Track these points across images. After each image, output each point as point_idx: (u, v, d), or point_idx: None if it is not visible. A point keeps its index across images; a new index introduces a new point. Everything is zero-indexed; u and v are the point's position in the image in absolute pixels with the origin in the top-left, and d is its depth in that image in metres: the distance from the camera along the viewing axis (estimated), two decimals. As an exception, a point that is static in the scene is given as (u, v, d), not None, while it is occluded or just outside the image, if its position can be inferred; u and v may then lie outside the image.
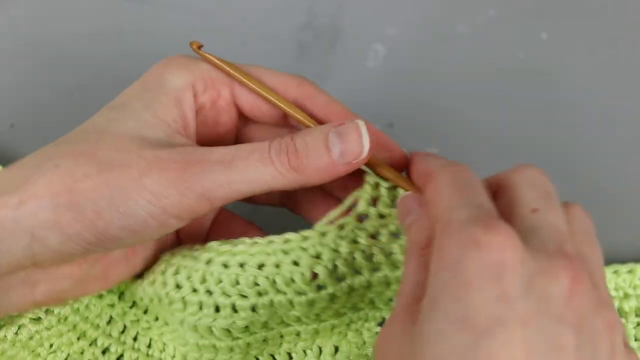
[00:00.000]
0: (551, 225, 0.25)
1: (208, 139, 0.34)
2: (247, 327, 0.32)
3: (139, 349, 0.34)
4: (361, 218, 0.31)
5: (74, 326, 0.34)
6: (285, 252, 0.31)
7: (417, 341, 0.23)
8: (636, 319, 0.38)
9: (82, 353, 0.34)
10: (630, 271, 0.38)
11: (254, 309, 0.31)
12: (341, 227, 0.31)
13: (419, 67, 0.48)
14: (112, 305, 0.35)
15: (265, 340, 0.33)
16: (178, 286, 0.32)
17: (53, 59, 0.48)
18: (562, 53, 0.49)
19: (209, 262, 0.31)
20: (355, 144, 0.29)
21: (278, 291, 0.31)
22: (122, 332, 0.34)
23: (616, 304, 0.38)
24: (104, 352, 0.34)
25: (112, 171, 0.28)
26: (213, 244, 0.32)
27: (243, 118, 0.35)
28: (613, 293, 0.38)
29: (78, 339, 0.34)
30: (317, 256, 0.31)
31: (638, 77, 0.48)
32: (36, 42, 0.48)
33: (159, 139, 0.30)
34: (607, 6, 0.50)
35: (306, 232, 0.32)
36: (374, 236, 0.31)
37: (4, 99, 0.47)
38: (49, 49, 0.48)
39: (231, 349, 0.33)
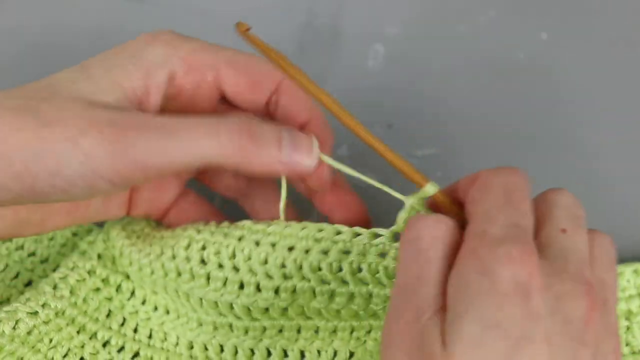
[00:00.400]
0: (576, 248, 0.27)
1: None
2: (267, 309, 0.32)
3: (140, 340, 0.34)
4: (396, 238, 0.32)
5: (73, 320, 0.33)
6: (317, 240, 0.32)
7: (446, 340, 0.24)
8: None
9: (82, 347, 0.34)
10: (635, 271, 0.39)
11: (277, 291, 0.32)
12: (375, 236, 0.32)
13: (419, 67, 0.48)
14: (109, 299, 0.35)
15: (281, 331, 0.33)
16: (203, 261, 0.32)
17: (53, 59, 0.48)
18: (563, 53, 0.49)
19: (240, 238, 0.32)
20: (304, 151, 0.31)
21: (303, 277, 0.31)
22: (122, 324, 0.34)
23: (623, 305, 0.38)
24: (104, 345, 0.34)
25: (47, 127, 0.28)
26: (246, 223, 0.33)
27: (223, 102, 0.35)
28: (620, 294, 0.38)
29: (78, 332, 0.34)
30: (346, 252, 0.31)
31: (638, 77, 0.48)
32: (36, 42, 0.48)
33: (107, 104, 0.29)
34: (607, 6, 0.50)
35: (340, 227, 0.32)
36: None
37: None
38: (49, 49, 0.48)
39: (246, 331, 0.33)
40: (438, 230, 0.27)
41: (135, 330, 0.35)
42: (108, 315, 0.35)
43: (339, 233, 0.32)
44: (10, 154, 0.27)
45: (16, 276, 0.38)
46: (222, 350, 0.33)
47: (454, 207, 0.30)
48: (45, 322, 0.33)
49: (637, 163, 0.46)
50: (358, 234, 0.32)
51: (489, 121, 0.47)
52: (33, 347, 0.33)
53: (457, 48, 0.48)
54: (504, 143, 0.46)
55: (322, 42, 0.49)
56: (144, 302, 0.35)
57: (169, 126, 0.29)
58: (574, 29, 0.49)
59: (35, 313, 0.32)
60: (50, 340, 0.33)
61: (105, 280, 0.35)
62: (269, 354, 0.33)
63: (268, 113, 0.35)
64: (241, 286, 0.32)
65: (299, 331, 0.33)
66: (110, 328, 0.34)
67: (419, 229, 0.28)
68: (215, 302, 0.33)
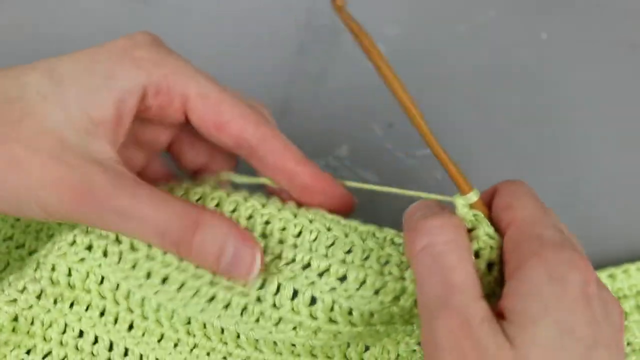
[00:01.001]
0: None
1: (141, 136, 0.34)
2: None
3: (131, 311, 0.34)
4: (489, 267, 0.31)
5: (61, 295, 0.33)
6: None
7: (517, 343, 0.25)
8: (638, 317, 0.38)
9: (79, 320, 0.33)
10: (625, 271, 0.39)
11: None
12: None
13: (418, 67, 0.48)
14: (99, 266, 0.33)
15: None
16: (264, 235, 0.32)
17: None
18: (562, 53, 0.49)
19: (311, 221, 0.32)
20: (243, 270, 0.30)
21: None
22: (116, 289, 0.33)
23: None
24: (101, 314, 0.33)
25: (14, 171, 0.28)
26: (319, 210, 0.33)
27: (184, 125, 0.34)
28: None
29: (71, 306, 0.33)
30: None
31: (638, 77, 0.48)
32: (36, 42, 0.48)
33: (77, 143, 0.29)
34: (607, 6, 0.50)
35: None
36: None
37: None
38: (49, 49, 0.48)
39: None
40: (448, 232, 0.28)
41: (127, 297, 0.33)
42: (100, 283, 0.33)
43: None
44: None
45: None
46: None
47: (487, 215, 0.30)
48: (28, 308, 0.32)
49: (637, 162, 0.46)
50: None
51: (488, 121, 0.47)
52: (28, 332, 0.33)
53: (457, 48, 0.49)
54: (504, 143, 0.46)
55: (322, 42, 0.49)
56: (134, 266, 0.33)
57: (124, 213, 0.29)
58: (574, 29, 0.49)
59: (14, 301, 0.32)
60: (42, 323, 0.33)
61: (89, 248, 0.33)
62: None
63: (240, 154, 0.34)
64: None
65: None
66: (103, 297, 0.33)
67: (428, 234, 0.28)
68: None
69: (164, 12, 0.49)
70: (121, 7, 0.49)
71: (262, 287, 0.32)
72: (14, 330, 0.33)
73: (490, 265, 0.29)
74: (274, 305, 0.32)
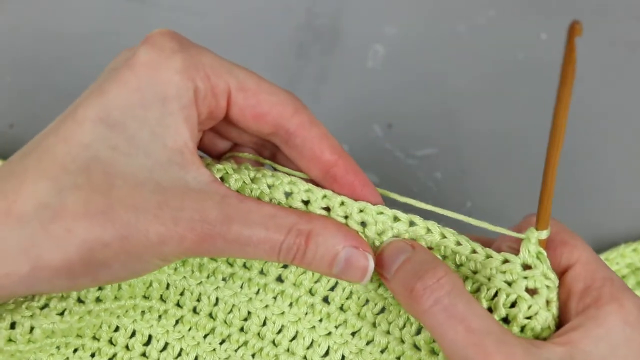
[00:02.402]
0: None
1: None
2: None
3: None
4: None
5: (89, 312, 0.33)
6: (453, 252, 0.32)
7: None
8: None
9: (117, 317, 0.34)
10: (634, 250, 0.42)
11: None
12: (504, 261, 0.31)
13: (418, 67, 0.48)
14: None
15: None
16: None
17: (53, 59, 0.48)
18: (562, 53, 0.49)
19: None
20: (357, 273, 0.30)
21: None
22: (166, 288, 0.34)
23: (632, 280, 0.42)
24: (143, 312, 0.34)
25: (130, 239, 0.28)
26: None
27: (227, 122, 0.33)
28: (625, 270, 0.43)
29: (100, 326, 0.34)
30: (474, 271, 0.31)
31: (637, 77, 0.48)
32: (36, 42, 0.48)
33: (174, 180, 0.29)
34: (607, 6, 0.50)
35: (475, 245, 0.32)
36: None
37: (4, 99, 0.47)
38: (48, 50, 0.48)
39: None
40: (445, 283, 0.28)
41: (181, 294, 0.34)
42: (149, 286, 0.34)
43: (474, 250, 0.32)
44: (98, 270, 0.28)
45: None
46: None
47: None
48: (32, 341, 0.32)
49: (637, 162, 0.46)
50: (489, 256, 0.31)
51: (488, 121, 0.47)
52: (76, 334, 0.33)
53: (457, 48, 0.49)
54: (503, 143, 0.46)
55: (322, 42, 0.49)
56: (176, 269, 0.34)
57: (241, 241, 0.29)
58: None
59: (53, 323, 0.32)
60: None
61: None
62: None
63: (274, 142, 0.33)
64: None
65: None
66: (147, 297, 0.34)
67: (430, 292, 0.28)
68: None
69: (162, 12, 0.49)
70: (120, 7, 0.49)
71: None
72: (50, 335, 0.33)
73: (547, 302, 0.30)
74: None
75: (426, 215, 0.31)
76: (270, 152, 0.35)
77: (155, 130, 0.28)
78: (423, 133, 0.46)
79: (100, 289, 0.33)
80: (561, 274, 0.30)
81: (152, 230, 0.28)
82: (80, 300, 0.32)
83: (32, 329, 0.32)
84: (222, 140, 0.35)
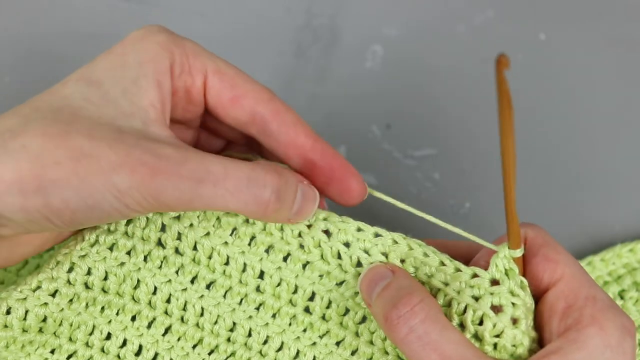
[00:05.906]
0: None
1: (175, 125, 0.34)
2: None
3: (171, 314, 0.34)
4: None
5: (93, 300, 0.33)
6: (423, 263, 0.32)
7: None
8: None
9: (109, 323, 0.33)
10: (589, 263, 0.42)
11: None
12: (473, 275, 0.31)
13: (417, 67, 0.48)
14: (137, 270, 0.33)
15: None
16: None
17: (53, 60, 0.48)
18: (560, 54, 0.49)
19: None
20: (309, 208, 0.31)
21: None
22: (153, 293, 0.34)
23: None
24: (133, 318, 0.33)
25: (82, 161, 0.28)
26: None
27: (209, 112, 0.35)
28: (621, 271, 0.42)
29: (102, 310, 0.33)
30: (445, 283, 0.31)
31: (636, 77, 0.48)
32: (35, 42, 0.48)
33: (134, 129, 0.30)
34: (606, 7, 0.50)
35: (444, 257, 0.32)
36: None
37: (3, 99, 0.47)
38: (48, 50, 0.48)
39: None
40: (420, 311, 0.29)
41: (168, 301, 0.33)
42: (135, 287, 0.33)
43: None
44: (50, 191, 0.28)
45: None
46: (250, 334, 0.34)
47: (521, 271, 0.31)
48: (59, 311, 0.32)
49: (637, 161, 0.46)
50: (459, 269, 0.31)
51: (486, 122, 0.47)
52: (54, 333, 0.33)
53: (455, 49, 0.49)
54: (502, 143, 0.46)
55: (321, 43, 0.49)
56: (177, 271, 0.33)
57: (196, 174, 0.29)
58: (572, 29, 0.49)
59: (45, 304, 0.32)
60: (71, 324, 0.33)
61: (131, 252, 0.33)
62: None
63: (251, 133, 0.34)
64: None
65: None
66: (137, 301, 0.33)
67: (404, 321, 0.29)
68: None
69: (162, 12, 0.49)
70: (120, 8, 0.49)
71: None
72: (40, 330, 0.33)
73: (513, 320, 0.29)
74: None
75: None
76: (259, 150, 0.36)
77: (128, 88, 0.30)
78: (421, 134, 0.46)
79: (88, 273, 0.33)
80: (544, 291, 0.30)
81: (104, 156, 0.28)
82: (69, 282, 0.33)
83: (26, 312, 0.32)
84: (217, 140, 0.36)
